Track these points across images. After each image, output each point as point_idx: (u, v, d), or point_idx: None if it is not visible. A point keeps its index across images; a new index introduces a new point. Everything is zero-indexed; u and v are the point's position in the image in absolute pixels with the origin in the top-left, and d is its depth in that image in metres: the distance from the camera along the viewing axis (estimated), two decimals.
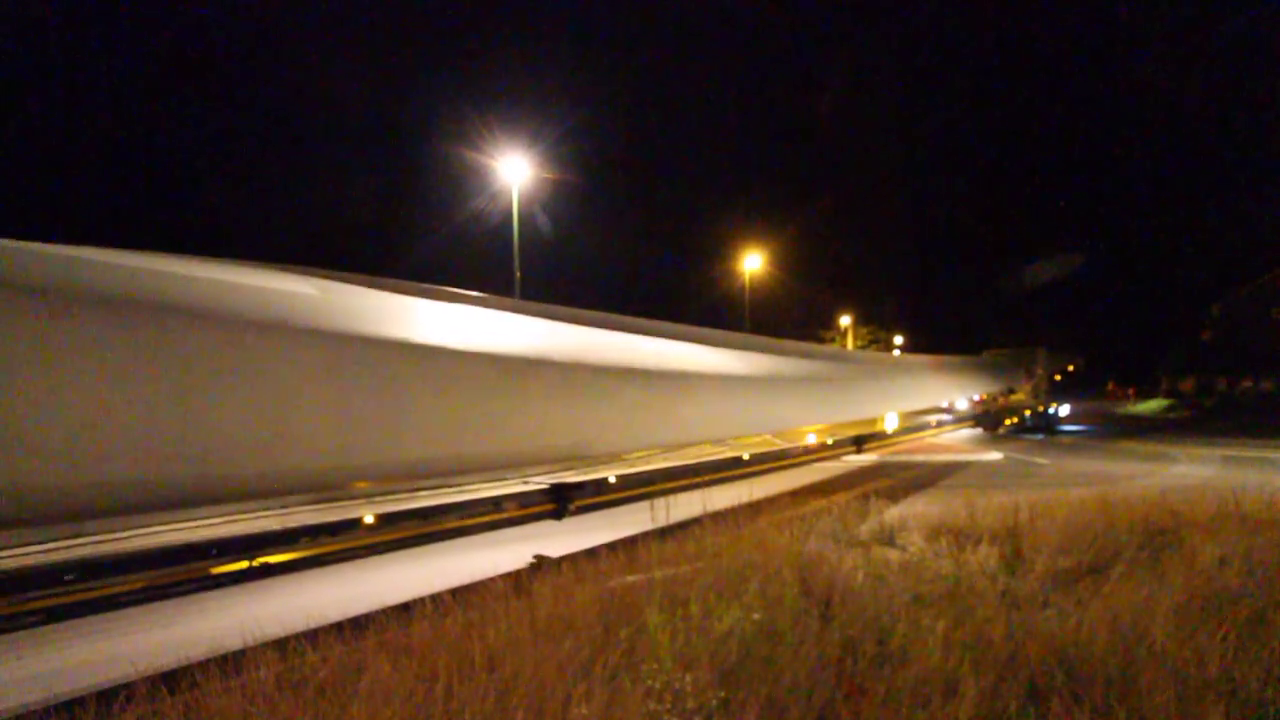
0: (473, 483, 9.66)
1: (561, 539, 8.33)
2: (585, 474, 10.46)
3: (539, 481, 9.81)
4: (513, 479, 10.03)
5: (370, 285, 5.00)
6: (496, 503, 9.29)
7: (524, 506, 9.50)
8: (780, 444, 16.91)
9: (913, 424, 28.44)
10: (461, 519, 8.92)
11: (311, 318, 4.21)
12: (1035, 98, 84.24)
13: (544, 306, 6.75)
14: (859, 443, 20.01)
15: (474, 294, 6.01)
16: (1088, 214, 79.42)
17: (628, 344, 7.29)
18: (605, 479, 10.58)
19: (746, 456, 14.32)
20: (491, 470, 8.05)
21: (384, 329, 4.62)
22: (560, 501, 9.66)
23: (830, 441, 18.62)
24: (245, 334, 3.79)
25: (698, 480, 12.02)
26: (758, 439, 15.60)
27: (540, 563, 6.47)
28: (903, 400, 18.53)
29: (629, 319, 8.02)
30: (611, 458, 10.47)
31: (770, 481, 10.94)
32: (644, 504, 9.04)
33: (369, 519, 8.13)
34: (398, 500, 9.17)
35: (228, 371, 3.69)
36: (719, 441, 13.34)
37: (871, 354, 30.68)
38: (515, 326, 5.98)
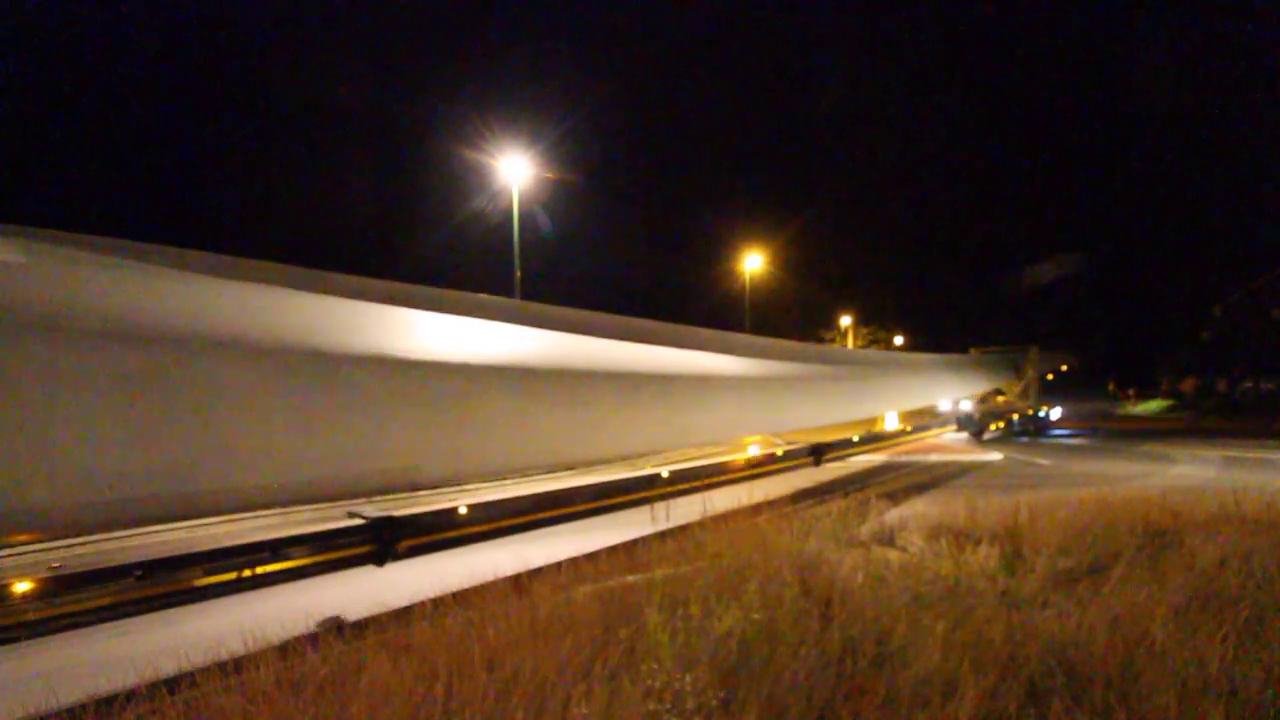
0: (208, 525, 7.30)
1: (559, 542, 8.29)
2: (425, 505, 8.36)
3: (363, 515, 7.64)
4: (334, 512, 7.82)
5: (120, 253, 3.92)
6: (274, 548, 6.74)
7: (323, 550, 6.99)
8: (712, 459, 13.69)
9: (871, 433, 22.95)
10: (213, 573, 6.29)
11: None
12: (1036, 98, 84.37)
13: (364, 281, 5.36)
14: (817, 454, 16.56)
15: (279, 266, 4.88)
16: (1088, 214, 79.56)
17: (494, 333, 5.84)
18: (455, 509, 8.30)
19: (666, 474, 11.46)
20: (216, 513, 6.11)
21: (96, 312, 3.57)
22: (382, 542, 7.45)
23: (779, 453, 15.44)
24: None
25: (588, 507, 9.54)
26: (681, 454, 12.86)
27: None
28: (863, 406, 15.66)
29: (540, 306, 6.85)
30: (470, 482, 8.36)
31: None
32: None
33: (24, 586, 5.34)
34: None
35: None
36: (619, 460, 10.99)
37: (826, 349, 25.24)
38: (319, 312, 4.82)
